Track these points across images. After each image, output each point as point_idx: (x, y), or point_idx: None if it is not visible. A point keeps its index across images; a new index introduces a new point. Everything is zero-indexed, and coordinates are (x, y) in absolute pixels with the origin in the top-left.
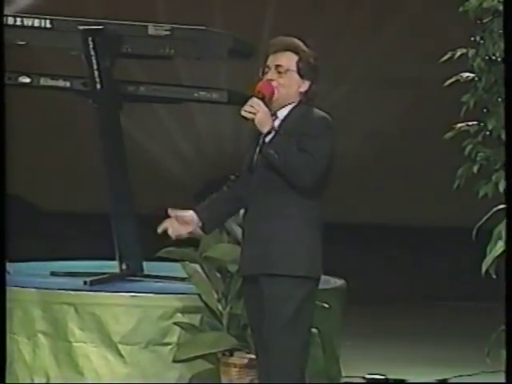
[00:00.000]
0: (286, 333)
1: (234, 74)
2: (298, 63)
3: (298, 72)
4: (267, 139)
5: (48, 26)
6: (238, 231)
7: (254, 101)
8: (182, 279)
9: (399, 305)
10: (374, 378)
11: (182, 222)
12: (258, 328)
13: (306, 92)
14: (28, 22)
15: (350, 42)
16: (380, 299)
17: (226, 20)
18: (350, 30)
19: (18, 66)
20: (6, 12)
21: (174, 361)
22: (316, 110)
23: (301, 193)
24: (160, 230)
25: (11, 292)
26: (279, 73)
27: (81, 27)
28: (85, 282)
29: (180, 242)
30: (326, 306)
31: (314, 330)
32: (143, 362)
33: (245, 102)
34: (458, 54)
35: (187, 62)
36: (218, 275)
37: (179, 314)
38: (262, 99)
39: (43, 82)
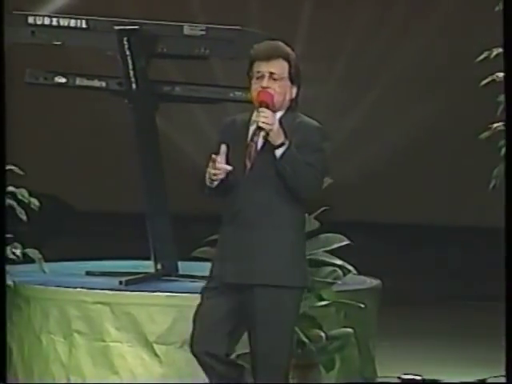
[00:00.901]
0: (275, 342)
1: None
2: (289, 70)
3: (290, 79)
4: (278, 152)
5: (84, 26)
6: None
7: (268, 113)
8: None
9: (437, 304)
10: (409, 379)
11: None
12: (236, 332)
13: (295, 98)
14: (64, 22)
15: (385, 41)
16: (419, 298)
17: (262, 20)
18: (384, 30)
19: (54, 66)
20: (42, 12)
21: None
22: (306, 118)
23: (295, 204)
24: (213, 157)
25: (47, 292)
26: (274, 80)
27: (116, 27)
28: (120, 282)
29: (214, 243)
30: (362, 306)
31: (349, 330)
32: (179, 361)
33: None
34: (494, 53)
35: (222, 61)
36: None
37: None
38: (267, 109)
39: (79, 82)
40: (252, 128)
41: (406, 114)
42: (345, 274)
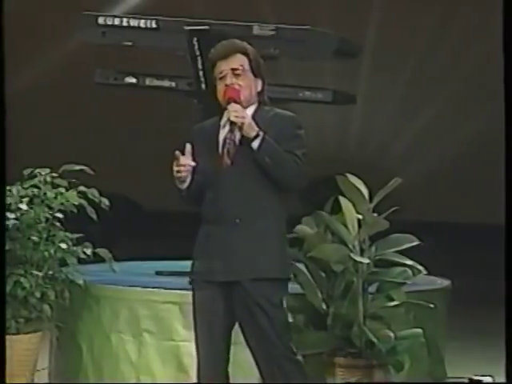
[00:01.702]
0: (267, 334)
1: (338, 73)
2: (250, 63)
3: (252, 72)
4: (255, 144)
5: (154, 26)
6: (343, 231)
7: (237, 107)
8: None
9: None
10: (480, 380)
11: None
12: (218, 332)
13: (262, 91)
14: (134, 22)
15: (453, 42)
16: (489, 299)
17: (332, 19)
18: (454, 29)
19: (125, 66)
20: (113, 13)
21: None
22: (279, 110)
23: (277, 194)
24: (176, 153)
25: (117, 291)
26: (237, 75)
27: (186, 27)
28: (189, 282)
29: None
30: (432, 306)
31: (418, 330)
32: (246, 361)
33: (349, 102)
34: None
35: (291, 61)
36: (323, 275)
37: None
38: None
39: (149, 82)
40: (223, 131)
41: (473, 117)
42: (415, 275)
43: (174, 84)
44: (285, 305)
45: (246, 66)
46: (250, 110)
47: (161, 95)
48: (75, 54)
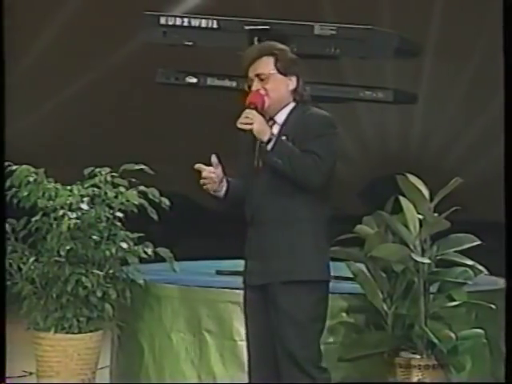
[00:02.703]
0: (303, 337)
1: (399, 72)
2: (276, 64)
3: (280, 72)
4: (269, 147)
5: (215, 26)
6: (403, 231)
7: (249, 112)
8: (347, 279)
9: None
10: None
11: (214, 174)
12: (265, 335)
13: (296, 88)
14: (195, 22)
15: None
16: None
17: (393, 18)
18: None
19: (185, 66)
20: (174, 13)
21: (339, 360)
22: (315, 110)
23: (309, 195)
24: (196, 166)
25: (178, 291)
26: (262, 80)
27: (247, 27)
28: None
29: (345, 242)
30: (493, 306)
31: (480, 331)
32: None
33: (410, 102)
34: None
35: (352, 60)
36: (384, 275)
37: (344, 314)
38: (255, 110)
39: (210, 82)
40: None
41: None
42: (476, 275)
43: (234, 84)
44: (321, 308)
45: (272, 68)
46: (285, 112)
47: (222, 95)
48: (137, 54)
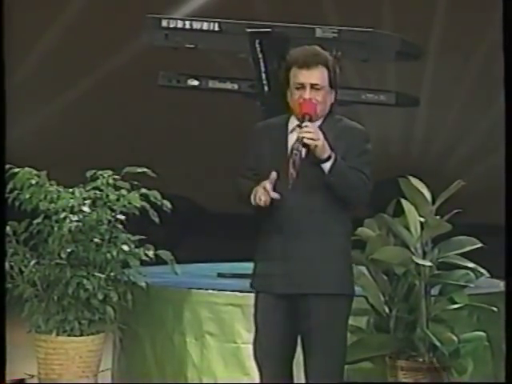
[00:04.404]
0: (330, 350)
1: (401, 75)
2: (329, 76)
3: (330, 85)
4: (326, 166)
5: (216, 28)
6: (405, 233)
7: (313, 127)
8: None
9: None
10: None
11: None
12: (290, 344)
13: (335, 102)
14: (197, 25)
15: None
16: None
17: (395, 21)
18: None
19: (187, 68)
20: (175, 15)
21: None
22: (348, 121)
23: (343, 211)
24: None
25: (180, 293)
26: (316, 90)
27: (249, 30)
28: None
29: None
30: (495, 309)
31: (482, 334)
32: None
33: (412, 104)
34: None
35: (354, 63)
36: (385, 278)
37: None
38: (310, 121)
39: (211, 84)
40: (292, 136)
41: None
42: (477, 277)
43: (236, 86)
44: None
45: (326, 81)
46: (320, 121)
47: (224, 97)
48: (139, 56)
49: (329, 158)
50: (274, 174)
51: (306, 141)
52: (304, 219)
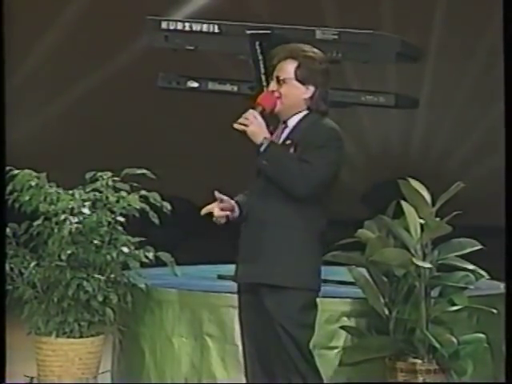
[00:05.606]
0: (289, 342)
1: (401, 77)
2: (296, 70)
3: (297, 79)
4: (261, 149)
5: (216, 30)
6: (405, 235)
7: (249, 113)
8: (348, 283)
9: None
10: None
11: (224, 207)
12: (254, 337)
13: (312, 98)
14: (197, 27)
15: None
16: None
17: (395, 23)
18: None
19: (187, 70)
20: (175, 17)
21: (341, 365)
22: (326, 121)
23: (302, 203)
24: (204, 211)
25: (180, 295)
26: (279, 82)
27: (248, 32)
28: None
29: (346, 247)
30: (495, 311)
31: (481, 335)
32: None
33: (412, 106)
34: None
35: (353, 65)
36: (385, 279)
37: (345, 318)
38: (263, 111)
39: (211, 86)
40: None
41: None
42: (477, 279)
43: (235, 88)
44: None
45: (291, 73)
46: (297, 117)
47: (223, 99)
48: (139, 58)
49: (263, 143)
50: (216, 194)
51: (235, 125)
52: (264, 210)
